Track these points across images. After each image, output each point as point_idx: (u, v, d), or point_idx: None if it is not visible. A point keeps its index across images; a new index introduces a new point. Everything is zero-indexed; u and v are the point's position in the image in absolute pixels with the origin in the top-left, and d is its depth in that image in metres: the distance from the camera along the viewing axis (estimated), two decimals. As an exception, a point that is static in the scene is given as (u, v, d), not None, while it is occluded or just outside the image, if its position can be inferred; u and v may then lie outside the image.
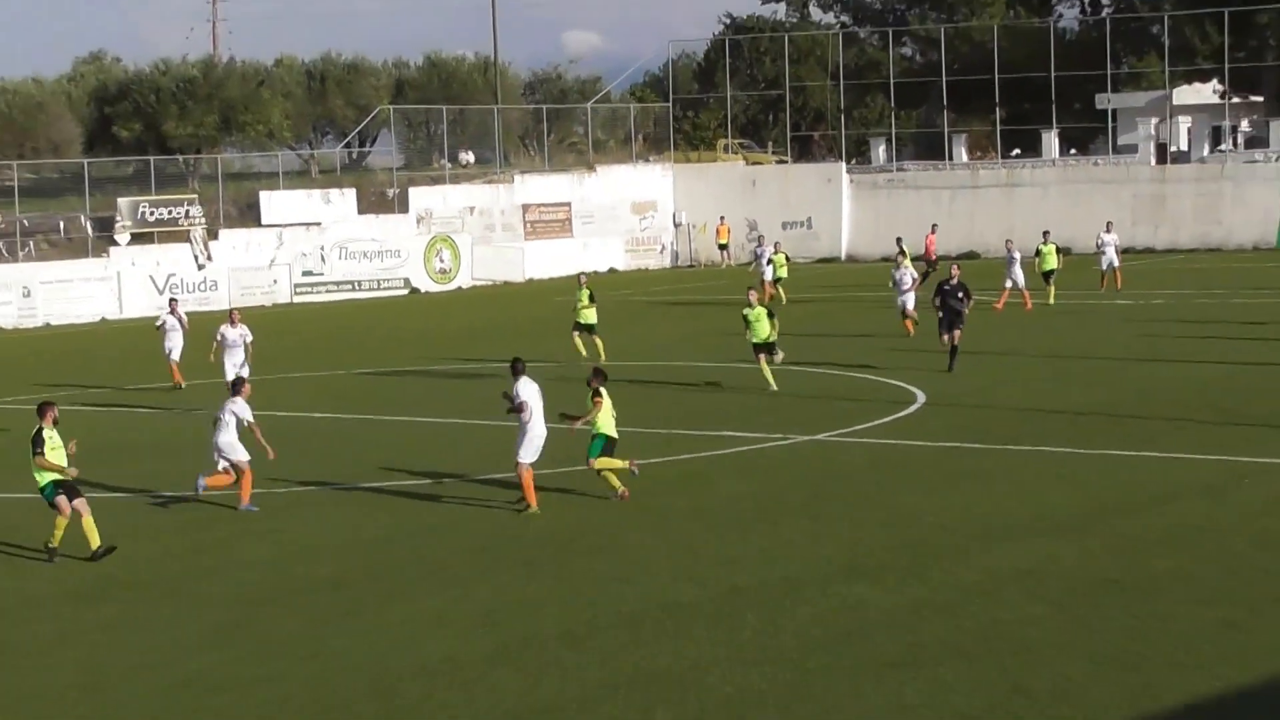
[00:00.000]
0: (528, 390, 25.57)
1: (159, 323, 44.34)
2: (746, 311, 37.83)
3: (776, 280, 61.17)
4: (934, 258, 68.45)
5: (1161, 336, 46.08)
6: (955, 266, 42.49)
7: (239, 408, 26.74)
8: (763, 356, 37.77)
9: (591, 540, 23.92)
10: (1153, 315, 52.50)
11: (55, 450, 23.51)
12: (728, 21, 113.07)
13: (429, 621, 19.85)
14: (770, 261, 61.97)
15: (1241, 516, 23.85)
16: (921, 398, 35.82)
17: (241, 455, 26.68)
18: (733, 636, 18.67)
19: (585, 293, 44.47)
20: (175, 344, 43.15)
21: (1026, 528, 23.52)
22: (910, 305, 47.65)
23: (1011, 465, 28.48)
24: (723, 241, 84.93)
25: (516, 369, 25.98)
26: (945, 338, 39.59)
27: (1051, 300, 55.86)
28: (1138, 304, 56.03)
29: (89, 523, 23.49)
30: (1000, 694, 16.42)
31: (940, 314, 39.94)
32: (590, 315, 44.35)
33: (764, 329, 37.62)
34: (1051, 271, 57.69)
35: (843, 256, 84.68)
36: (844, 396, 36.89)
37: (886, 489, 26.79)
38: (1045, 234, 60.42)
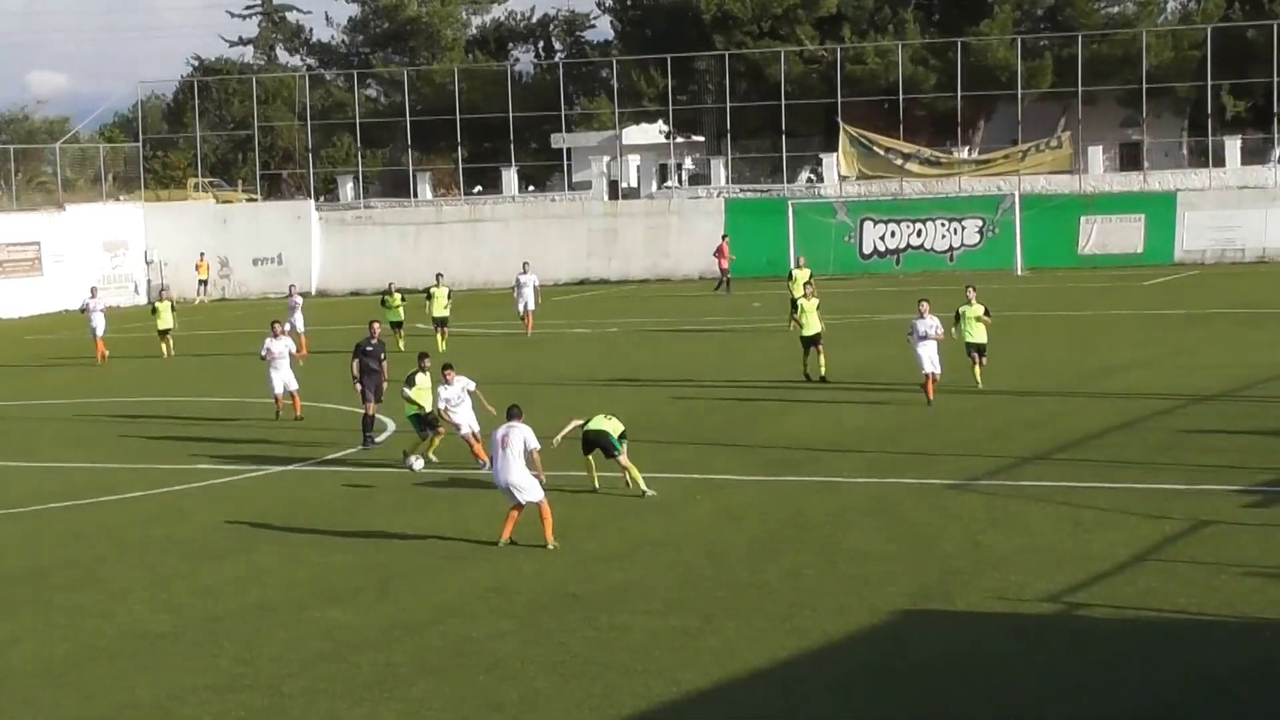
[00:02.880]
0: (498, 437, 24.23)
1: None
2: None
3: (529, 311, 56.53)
4: (727, 268, 69.76)
5: (616, 361, 47.36)
6: (374, 323, 35.70)
7: None
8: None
9: (68, 574, 23.63)
10: (608, 342, 54.01)
11: None
12: (196, 64, 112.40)
13: (-102, 664, 19.26)
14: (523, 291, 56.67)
15: (693, 529, 24.78)
16: (392, 426, 35.59)
17: None
18: (210, 665, 18.75)
19: None
20: None
21: (492, 547, 23.84)
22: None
23: (479, 487, 28.57)
24: (203, 277, 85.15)
25: (510, 412, 24.64)
26: (369, 409, 33.85)
27: (443, 346, 51.67)
28: (595, 332, 57.38)
29: None
30: (473, 709, 16.91)
31: (357, 383, 33.99)
32: None
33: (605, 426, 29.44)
34: (444, 319, 53.64)
35: (313, 291, 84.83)
36: (318, 427, 36.84)
37: (357, 515, 27.01)
38: (438, 276, 56.67)
